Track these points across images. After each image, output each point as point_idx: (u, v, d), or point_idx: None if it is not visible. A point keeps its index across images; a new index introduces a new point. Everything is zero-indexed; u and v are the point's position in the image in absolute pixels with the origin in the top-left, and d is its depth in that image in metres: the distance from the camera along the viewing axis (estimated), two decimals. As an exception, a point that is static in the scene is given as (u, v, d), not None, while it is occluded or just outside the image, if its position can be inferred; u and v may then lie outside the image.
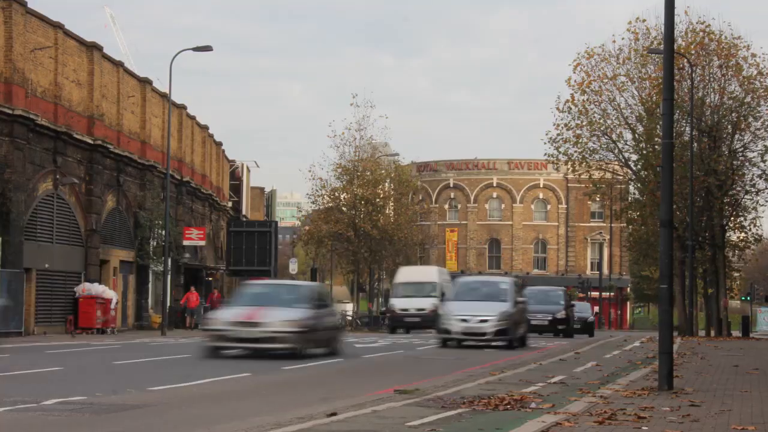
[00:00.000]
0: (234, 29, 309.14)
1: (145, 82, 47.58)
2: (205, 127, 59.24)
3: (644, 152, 44.57)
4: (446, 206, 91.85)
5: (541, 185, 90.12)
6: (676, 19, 41.54)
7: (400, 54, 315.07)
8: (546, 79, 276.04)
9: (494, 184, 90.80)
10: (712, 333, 45.94)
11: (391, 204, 70.49)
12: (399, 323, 43.59)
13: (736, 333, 52.16)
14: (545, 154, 46.71)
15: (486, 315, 26.75)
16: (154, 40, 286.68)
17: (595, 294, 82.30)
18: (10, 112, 33.85)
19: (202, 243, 52.50)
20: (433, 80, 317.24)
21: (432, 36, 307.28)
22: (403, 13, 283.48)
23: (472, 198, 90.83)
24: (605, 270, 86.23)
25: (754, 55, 43.87)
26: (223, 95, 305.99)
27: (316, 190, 66.93)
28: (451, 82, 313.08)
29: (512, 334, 27.25)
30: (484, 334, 26.76)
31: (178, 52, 43.07)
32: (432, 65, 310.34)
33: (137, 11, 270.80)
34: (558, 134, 45.42)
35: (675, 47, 20.20)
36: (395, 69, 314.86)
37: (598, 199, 53.32)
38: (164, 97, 48.97)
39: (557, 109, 45.50)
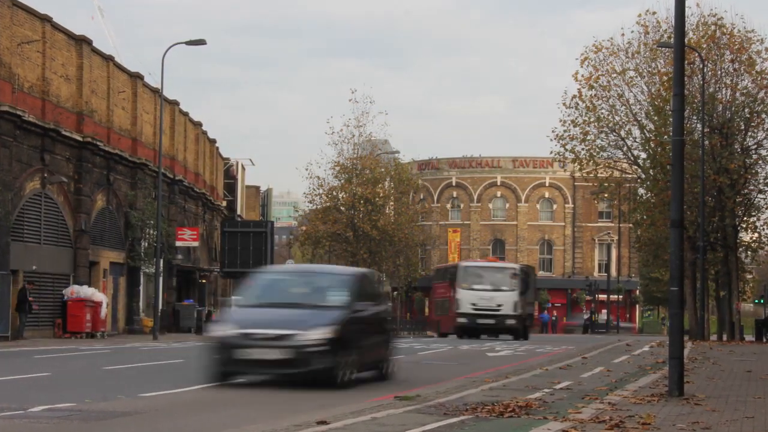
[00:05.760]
0: (232, 41, 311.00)
1: (136, 77, 46.97)
2: (198, 124, 58.68)
3: (652, 150, 43.47)
4: (448, 205, 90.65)
5: (547, 184, 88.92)
6: (687, 11, 40.55)
7: (396, 66, 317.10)
8: (541, 88, 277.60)
9: (498, 183, 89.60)
10: (725, 337, 45.36)
11: (391, 203, 69.67)
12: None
13: (749, 337, 51.62)
14: (551, 152, 46.00)
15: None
16: (153, 50, 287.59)
17: (602, 297, 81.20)
18: (-5, 108, 33.20)
19: (196, 244, 52.06)
20: (431, 90, 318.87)
21: (426, 48, 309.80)
22: (405, 8, 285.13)
23: (475, 197, 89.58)
24: (613, 272, 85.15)
25: (768, 50, 42.86)
26: (219, 102, 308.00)
27: (314, 189, 66.08)
28: (449, 91, 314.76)
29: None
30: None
31: (171, 46, 42.58)
32: (427, 76, 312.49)
33: (136, 20, 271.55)
34: (565, 131, 44.55)
35: (686, 41, 19.21)
36: (391, 80, 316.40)
37: (606, 196, 52.21)
38: (156, 92, 48.27)
39: (564, 104, 44.59)
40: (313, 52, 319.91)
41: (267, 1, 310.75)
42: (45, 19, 37.31)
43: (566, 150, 44.82)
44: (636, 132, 45.23)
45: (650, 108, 43.96)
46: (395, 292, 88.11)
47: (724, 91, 42.95)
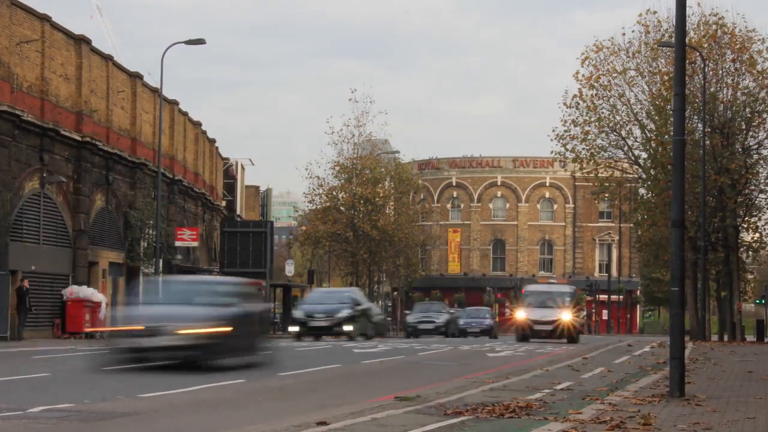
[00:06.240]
0: (231, 42, 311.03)
1: (135, 76, 46.76)
2: (198, 124, 58.43)
3: (653, 150, 43.36)
4: (448, 206, 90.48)
5: (548, 184, 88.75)
6: (688, 11, 40.53)
7: (396, 66, 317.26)
8: (541, 88, 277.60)
9: (498, 183, 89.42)
10: (726, 338, 45.08)
11: (391, 203, 69.47)
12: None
13: (750, 338, 51.42)
14: (552, 152, 45.82)
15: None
16: (152, 51, 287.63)
17: (603, 297, 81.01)
18: (-6, 107, 33.06)
19: (195, 244, 51.84)
20: (431, 90, 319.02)
21: (426, 48, 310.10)
22: (404, 8, 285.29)
23: (475, 197, 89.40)
24: (614, 272, 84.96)
25: (769, 49, 42.75)
26: (218, 103, 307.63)
27: (314, 189, 65.83)
28: (449, 91, 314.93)
29: None
30: None
31: (170, 45, 42.33)
32: (427, 76, 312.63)
33: (135, 21, 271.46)
34: (565, 130, 44.42)
35: (687, 40, 19.13)
36: (391, 80, 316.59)
37: (606, 196, 52.08)
38: (155, 92, 48.09)
39: (564, 104, 44.44)
40: (313, 52, 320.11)
41: (267, 2, 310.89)
42: (44, 19, 37.12)
43: (567, 150, 44.73)
44: (637, 132, 45.18)
45: (651, 107, 43.85)
46: (395, 293, 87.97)
47: (725, 91, 42.83)
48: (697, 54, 40.57)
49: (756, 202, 44.90)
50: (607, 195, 50.90)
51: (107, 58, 43.49)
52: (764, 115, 42.81)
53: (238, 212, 72.04)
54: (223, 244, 52.03)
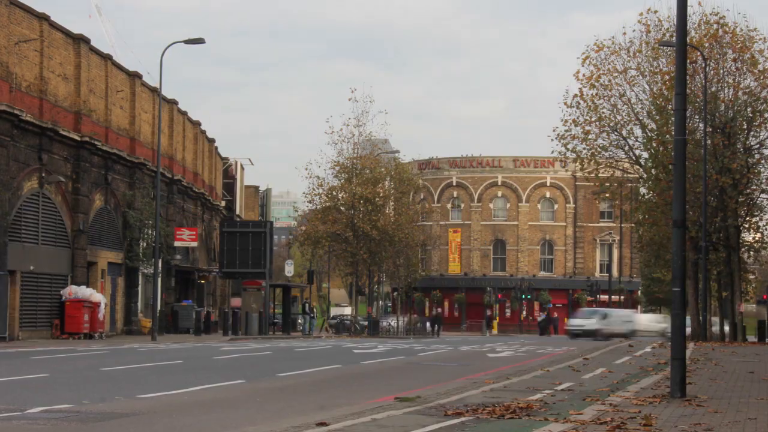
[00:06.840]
0: (231, 43, 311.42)
1: (134, 76, 46.64)
2: (197, 124, 58.28)
3: (654, 150, 43.18)
4: (449, 205, 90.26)
5: (548, 183, 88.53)
6: (689, 10, 40.37)
7: (396, 68, 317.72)
8: (540, 90, 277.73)
9: (499, 183, 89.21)
10: (727, 338, 44.78)
11: (392, 203, 69.18)
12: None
13: (751, 338, 51.29)
14: (553, 151, 45.64)
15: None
16: (152, 53, 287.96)
17: (604, 297, 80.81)
18: (-7, 107, 32.95)
19: (194, 244, 51.74)
20: (431, 91, 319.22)
21: (426, 49, 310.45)
22: (405, 8, 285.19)
23: (475, 197, 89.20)
24: (615, 272, 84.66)
25: (770, 48, 42.54)
26: (218, 104, 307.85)
27: (313, 189, 65.59)
28: (449, 92, 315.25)
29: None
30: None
31: (170, 44, 42.14)
32: (427, 77, 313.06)
33: (135, 24, 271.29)
34: (566, 130, 44.20)
35: (688, 39, 19.01)
36: (391, 81, 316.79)
37: (607, 196, 51.84)
38: (154, 92, 47.99)
39: (565, 104, 44.23)
40: (312, 53, 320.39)
41: (267, 3, 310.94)
42: (43, 18, 37.03)
43: (568, 149, 44.54)
44: (638, 131, 44.96)
45: (652, 107, 43.65)
46: (395, 293, 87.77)
47: (726, 90, 42.62)
48: (698, 53, 40.40)
49: (757, 201, 44.73)
50: (608, 195, 50.65)
51: (106, 58, 43.36)
52: (766, 115, 42.57)
53: (237, 212, 71.93)
54: (223, 244, 51.83)
